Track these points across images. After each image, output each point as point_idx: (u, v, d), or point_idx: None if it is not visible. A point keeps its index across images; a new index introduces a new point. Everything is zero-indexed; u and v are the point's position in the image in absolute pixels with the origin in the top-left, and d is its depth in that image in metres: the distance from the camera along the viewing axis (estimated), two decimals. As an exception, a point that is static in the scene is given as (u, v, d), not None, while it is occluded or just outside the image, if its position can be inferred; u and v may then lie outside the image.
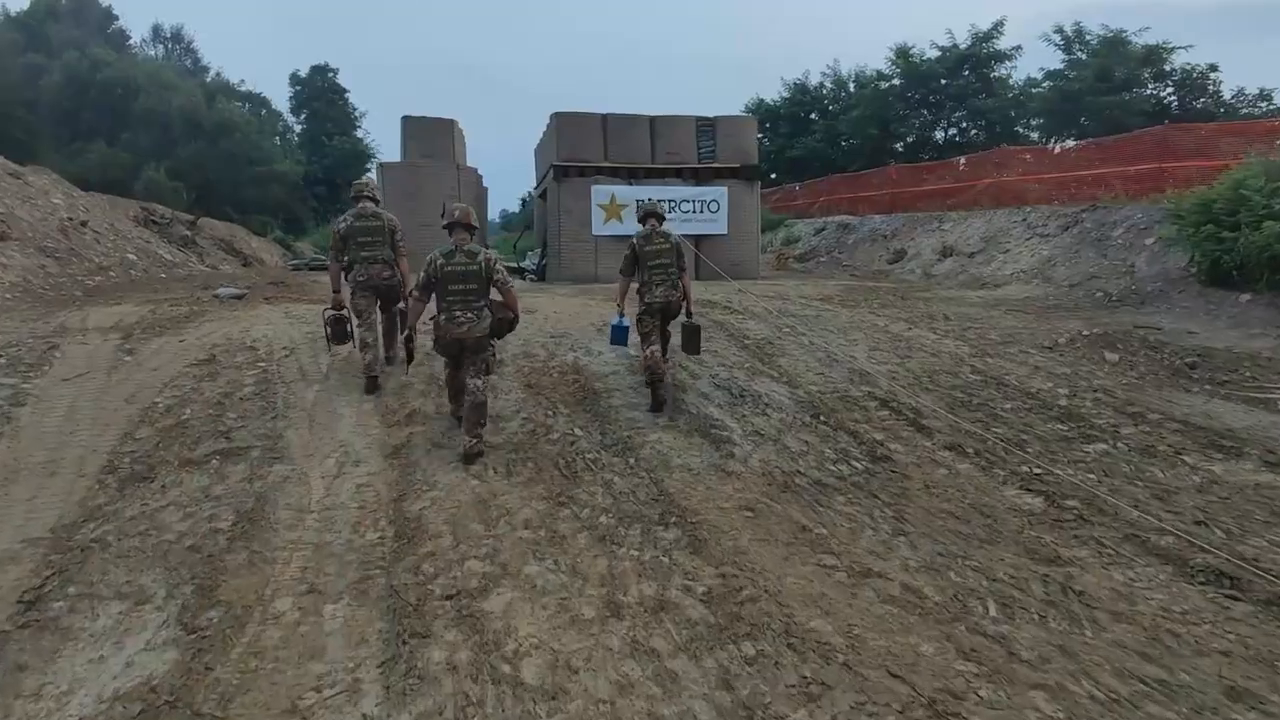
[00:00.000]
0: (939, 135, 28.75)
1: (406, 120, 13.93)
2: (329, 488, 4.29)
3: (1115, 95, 20.13)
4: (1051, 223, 14.05)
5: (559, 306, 9.54)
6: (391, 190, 13.55)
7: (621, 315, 6.19)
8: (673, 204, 14.68)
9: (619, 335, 6.22)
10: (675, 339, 6.46)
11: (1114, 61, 20.71)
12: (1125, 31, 21.09)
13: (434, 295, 4.88)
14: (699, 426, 5.34)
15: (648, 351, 5.70)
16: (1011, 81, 26.69)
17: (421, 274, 4.87)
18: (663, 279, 5.87)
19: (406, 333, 5.03)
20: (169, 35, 42.18)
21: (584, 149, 14.25)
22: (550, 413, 5.46)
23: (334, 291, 6.01)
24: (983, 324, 8.94)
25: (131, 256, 13.36)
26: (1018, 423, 5.50)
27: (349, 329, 6.06)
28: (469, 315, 4.77)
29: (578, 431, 5.14)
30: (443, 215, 5.35)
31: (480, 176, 15.53)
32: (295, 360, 6.30)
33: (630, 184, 14.56)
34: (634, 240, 6.01)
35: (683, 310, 6.05)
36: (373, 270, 5.91)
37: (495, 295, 4.96)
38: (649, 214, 6.09)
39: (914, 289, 13.53)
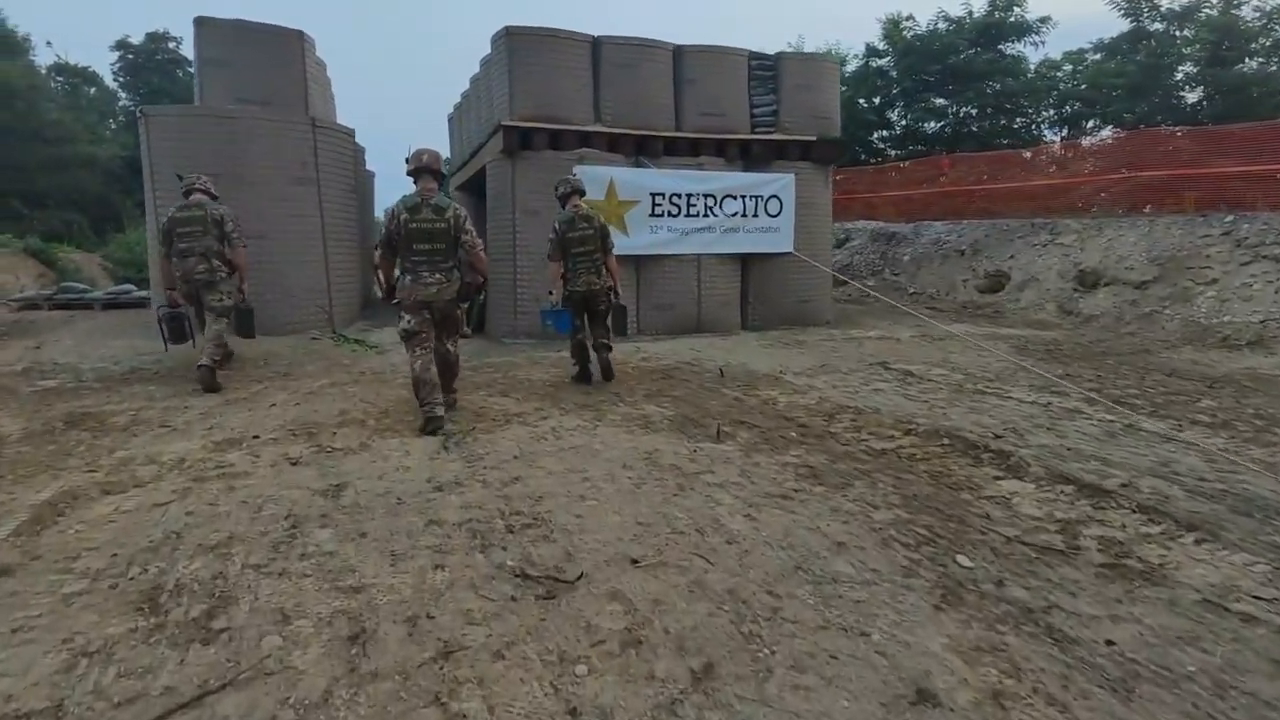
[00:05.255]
0: (933, 125, 24.08)
1: (203, 27, 6.95)
2: None
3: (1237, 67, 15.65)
4: (1295, 238, 9.00)
5: (601, 474, 3.26)
6: (173, 157, 6.67)
7: (556, 303, 5.61)
8: (710, 201, 8.59)
9: (562, 322, 5.61)
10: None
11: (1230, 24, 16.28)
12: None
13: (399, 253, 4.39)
14: None
15: (576, 339, 5.58)
16: (1028, 64, 22.26)
17: (383, 229, 4.46)
18: (587, 266, 5.57)
19: (384, 292, 4.56)
20: (-41, -5, 32.58)
21: (560, 99, 7.90)
22: None
23: (167, 289, 5.67)
24: None
25: None
26: None
27: (187, 326, 5.79)
28: (437, 277, 4.35)
29: None
30: (408, 160, 4.43)
31: (359, 148, 8.82)
32: None
33: (640, 164, 8.32)
34: (556, 224, 5.66)
35: (610, 295, 5.64)
36: (187, 266, 5.45)
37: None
38: (573, 191, 5.75)
39: (1141, 352, 8.03)
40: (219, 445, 3.85)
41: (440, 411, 4.25)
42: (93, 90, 36.25)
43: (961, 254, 13.24)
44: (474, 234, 4.43)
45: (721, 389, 5.52)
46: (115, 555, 2.57)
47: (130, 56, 35.31)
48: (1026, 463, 3.72)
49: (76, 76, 35.23)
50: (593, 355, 5.64)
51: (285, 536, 2.72)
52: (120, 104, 36.93)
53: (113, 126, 34.74)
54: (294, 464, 3.56)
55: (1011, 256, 12.40)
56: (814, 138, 8.95)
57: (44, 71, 33.96)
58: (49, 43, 46.25)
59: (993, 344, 7.90)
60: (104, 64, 37.53)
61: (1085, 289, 10.81)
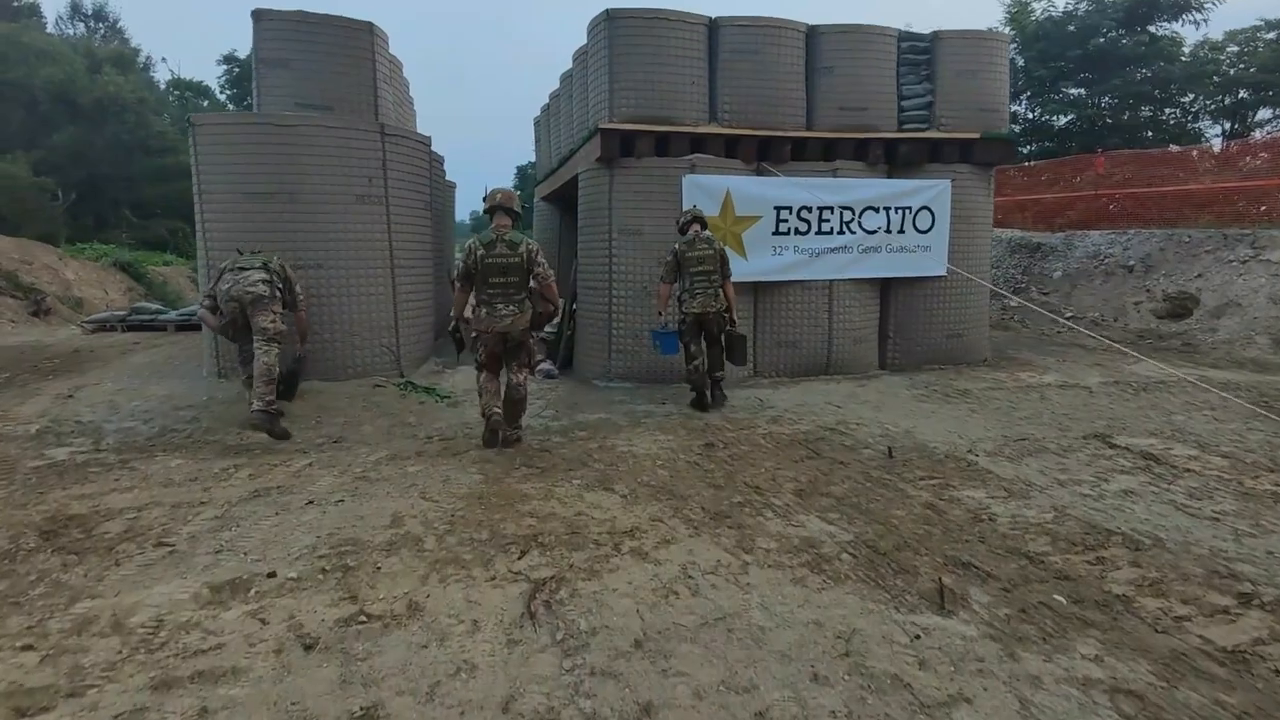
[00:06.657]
0: (1063, 119, 21.48)
1: (261, 21, 6.03)
2: None
3: None
4: None
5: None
6: (224, 171, 5.78)
7: (666, 324, 5.77)
8: (847, 215, 7.09)
9: (670, 344, 5.74)
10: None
11: None
12: None
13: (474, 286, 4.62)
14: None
15: (692, 365, 5.63)
16: (1183, 47, 19.43)
17: (460, 263, 4.68)
18: (704, 287, 5.56)
19: (453, 323, 4.88)
20: (89, 13, 34.95)
21: (668, 96, 6.59)
22: None
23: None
24: None
25: None
26: None
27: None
28: (511, 309, 4.57)
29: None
30: (484, 199, 4.75)
31: (438, 157, 7.81)
32: None
33: (763, 172, 6.93)
34: (676, 246, 5.67)
35: (726, 320, 5.71)
36: (241, 279, 5.03)
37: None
38: (694, 219, 5.75)
39: None
40: (216, 593, 2.71)
41: (510, 437, 4.73)
42: (205, 103, 37.96)
43: (1129, 270, 11.11)
44: (545, 266, 4.65)
45: (900, 483, 4.04)
46: None
47: (236, 70, 36.75)
48: None
49: (190, 90, 36.92)
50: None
51: None
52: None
53: (219, 135, 36.00)
54: (308, 649, 2.35)
55: (1199, 275, 10.23)
56: (977, 135, 7.27)
57: (162, 86, 35.77)
58: (164, 59, 49.18)
59: (1212, 393, 6.03)
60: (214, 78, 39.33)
61: (1312, 318, 8.64)
